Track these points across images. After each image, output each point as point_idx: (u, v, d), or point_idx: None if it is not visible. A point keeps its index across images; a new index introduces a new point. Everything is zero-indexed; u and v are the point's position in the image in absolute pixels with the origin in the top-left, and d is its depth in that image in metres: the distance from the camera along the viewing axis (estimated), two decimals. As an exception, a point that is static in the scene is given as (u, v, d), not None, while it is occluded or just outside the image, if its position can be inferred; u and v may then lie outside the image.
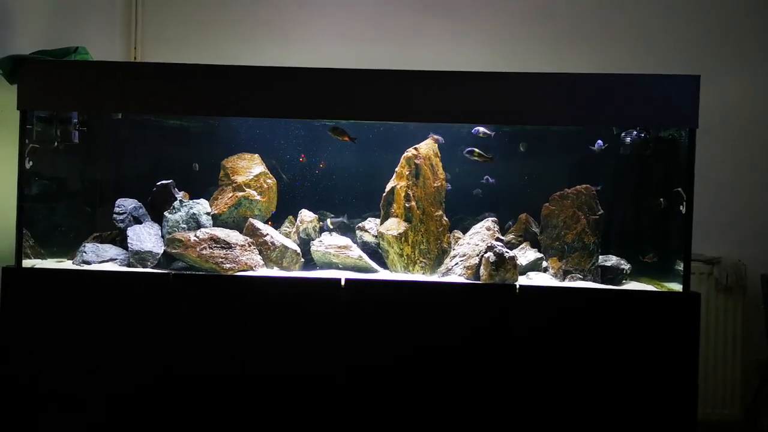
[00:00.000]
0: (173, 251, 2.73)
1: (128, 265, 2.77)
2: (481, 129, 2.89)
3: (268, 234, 2.87)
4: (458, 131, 2.99)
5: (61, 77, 2.69)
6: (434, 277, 2.81)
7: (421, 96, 2.63)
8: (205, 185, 3.11)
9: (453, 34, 3.76)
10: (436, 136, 2.98)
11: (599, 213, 2.82)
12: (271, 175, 3.08)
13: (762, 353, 3.46)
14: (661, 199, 2.69)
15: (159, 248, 2.79)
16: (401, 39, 3.76)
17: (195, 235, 2.74)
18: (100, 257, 2.78)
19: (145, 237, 2.82)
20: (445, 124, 2.91)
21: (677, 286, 2.61)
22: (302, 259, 2.90)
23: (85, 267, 2.73)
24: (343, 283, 2.57)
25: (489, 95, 2.63)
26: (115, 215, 2.91)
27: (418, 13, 3.78)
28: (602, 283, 2.75)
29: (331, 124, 2.89)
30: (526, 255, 2.89)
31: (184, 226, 2.87)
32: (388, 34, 3.77)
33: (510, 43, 3.73)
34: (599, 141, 2.89)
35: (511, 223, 3.09)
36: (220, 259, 2.69)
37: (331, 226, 2.98)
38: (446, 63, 3.65)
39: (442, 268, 2.85)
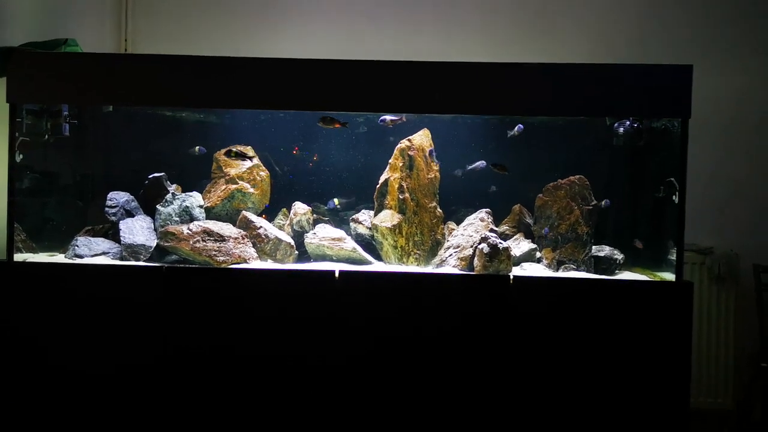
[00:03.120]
0: (166, 244, 2.72)
1: (121, 259, 2.75)
2: (388, 117, 2.85)
3: (261, 226, 2.86)
4: (463, 121, 3.00)
5: (51, 70, 2.66)
6: (428, 269, 2.81)
7: (414, 87, 2.62)
8: (197, 178, 3.09)
9: (446, 25, 3.74)
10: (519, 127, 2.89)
11: (592, 203, 2.82)
12: (264, 168, 3.07)
13: (754, 344, 3.49)
14: (662, 188, 2.70)
15: (152, 241, 2.78)
16: (396, 29, 3.75)
17: (188, 228, 2.73)
18: (93, 251, 2.77)
19: (138, 230, 2.80)
20: (438, 115, 2.90)
21: (670, 276, 2.62)
22: (296, 252, 2.89)
23: (78, 261, 2.71)
24: (337, 275, 2.56)
25: (479, 86, 2.62)
26: (107, 209, 2.88)
27: (413, 5, 3.76)
28: (595, 273, 2.76)
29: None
30: (519, 246, 2.89)
31: (177, 219, 2.86)
32: (386, 25, 3.75)
33: (500, 34, 3.72)
34: (520, 125, 2.90)
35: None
36: (214, 252, 2.68)
37: (338, 206, 2.94)
38: (439, 54, 3.64)
39: (436, 259, 2.85)
